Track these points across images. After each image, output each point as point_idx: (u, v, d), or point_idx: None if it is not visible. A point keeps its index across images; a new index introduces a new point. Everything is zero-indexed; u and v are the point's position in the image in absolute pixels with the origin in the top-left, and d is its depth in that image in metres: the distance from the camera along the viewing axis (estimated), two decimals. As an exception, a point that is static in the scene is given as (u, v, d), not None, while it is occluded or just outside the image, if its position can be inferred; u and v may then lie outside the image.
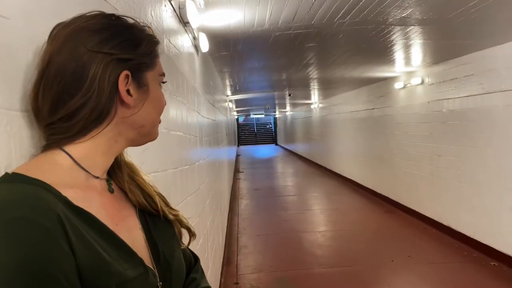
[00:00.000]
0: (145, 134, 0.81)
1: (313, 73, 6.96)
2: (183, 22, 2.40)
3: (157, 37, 0.81)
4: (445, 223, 6.14)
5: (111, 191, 0.80)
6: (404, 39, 4.35)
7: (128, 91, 0.72)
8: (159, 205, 0.87)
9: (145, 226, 0.83)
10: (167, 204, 0.92)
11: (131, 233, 0.79)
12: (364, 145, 9.69)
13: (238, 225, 7.07)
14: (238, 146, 27.96)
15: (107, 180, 0.80)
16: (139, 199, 0.85)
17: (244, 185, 11.92)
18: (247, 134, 37.36)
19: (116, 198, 0.81)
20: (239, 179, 13.05)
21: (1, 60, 0.66)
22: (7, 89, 0.67)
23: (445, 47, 4.97)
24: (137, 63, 0.74)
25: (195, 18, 2.51)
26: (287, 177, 14.26)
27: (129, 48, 0.73)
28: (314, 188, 11.32)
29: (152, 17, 1.62)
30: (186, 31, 2.59)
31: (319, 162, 15.16)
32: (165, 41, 1.85)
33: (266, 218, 7.69)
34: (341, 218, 7.66)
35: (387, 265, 4.98)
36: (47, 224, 0.56)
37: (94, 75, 0.68)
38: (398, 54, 5.35)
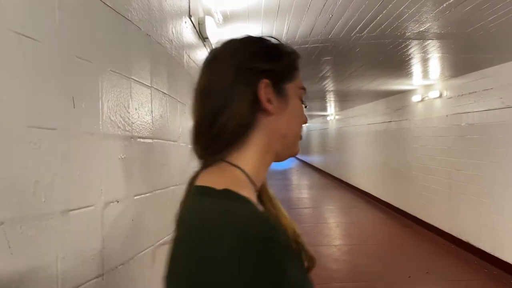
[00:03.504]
0: (288, 147, 0.79)
1: (329, 85, 6.96)
2: (202, 37, 2.44)
3: (297, 53, 0.81)
4: (464, 239, 6.02)
5: None
6: (422, 52, 4.33)
7: (268, 100, 0.73)
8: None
9: None
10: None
11: None
12: (381, 158, 9.60)
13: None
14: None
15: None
16: None
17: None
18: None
19: None
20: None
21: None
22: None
23: (464, 60, 4.92)
24: (277, 73, 0.75)
25: (214, 33, 2.55)
26: (302, 189, 14.18)
27: (269, 60, 0.75)
28: (329, 201, 11.23)
29: (173, 33, 1.66)
30: (205, 46, 2.63)
31: (335, 174, 15.05)
32: (184, 56, 1.89)
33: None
34: (357, 232, 7.56)
35: (404, 281, 4.89)
36: (290, 244, 0.59)
37: (237, 87, 0.71)
38: (416, 68, 5.32)
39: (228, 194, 0.63)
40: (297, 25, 3.19)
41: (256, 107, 0.72)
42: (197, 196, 0.68)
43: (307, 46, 3.86)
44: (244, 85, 0.72)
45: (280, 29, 3.29)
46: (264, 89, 0.72)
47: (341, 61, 4.83)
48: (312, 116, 17.64)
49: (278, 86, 0.75)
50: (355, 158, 11.95)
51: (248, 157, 0.72)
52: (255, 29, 3.27)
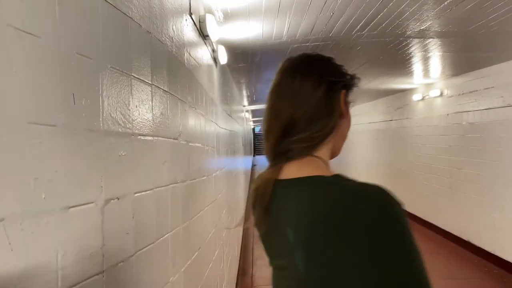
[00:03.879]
0: (339, 148, 0.97)
1: (330, 84, 6.95)
2: (203, 35, 2.44)
3: None
4: (464, 237, 6.02)
5: None
6: (423, 51, 4.32)
7: (346, 108, 0.92)
8: None
9: None
10: None
11: None
12: (381, 157, 9.60)
13: (253, 236, 7.05)
14: (254, 156, 27.97)
15: None
16: None
17: (259, 196, 11.88)
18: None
19: None
20: (255, 189, 13.02)
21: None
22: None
23: (465, 59, 4.92)
24: (347, 85, 0.94)
25: (214, 31, 2.55)
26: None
27: (342, 75, 0.93)
28: (330, 200, 11.21)
29: (174, 31, 1.66)
30: (206, 44, 2.63)
31: (335, 174, 15.03)
32: (185, 54, 1.88)
33: (282, 229, 7.63)
34: None
35: (404, 280, 4.89)
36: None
37: (329, 98, 0.88)
38: (417, 66, 5.32)
39: (342, 177, 0.79)
40: (298, 23, 3.18)
41: (339, 115, 0.90)
42: (308, 184, 0.81)
43: (308, 44, 3.85)
44: (334, 96, 0.89)
45: (281, 27, 3.29)
46: (344, 99, 0.91)
47: (342, 60, 4.70)
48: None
49: (347, 96, 0.93)
50: (355, 157, 11.93)
51: (324, 152, 0.90)
52: (256, 27, 3.27)
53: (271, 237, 0.92)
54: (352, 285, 0.70)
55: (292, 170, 0.86)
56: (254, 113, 14.95)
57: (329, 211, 0.73)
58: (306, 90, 0.87)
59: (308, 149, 0.87)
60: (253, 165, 21.62)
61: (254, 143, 32.01)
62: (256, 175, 1.55)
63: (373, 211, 0.71)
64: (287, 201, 0.83)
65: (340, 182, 0.78)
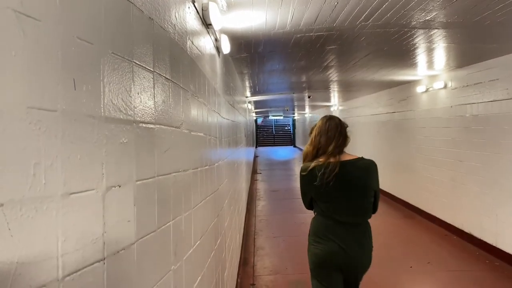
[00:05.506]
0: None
1: (333, 75, 6.92)
2: (206, 24, 2.42)
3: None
4: (466, 230, 6.02)
5: None
6: (427, 42, 4.28)
7: None
8: None
9: None
10: None
11: None
12: (384, 149, 9.58)
13: (255, 226, 7.07)
14: (256, 147, 27.94)
15: None
16: None
17: (261, 186, 11.91)
18: (266, 135, 37.33)
19: None
20: (256, 180, 13.05)
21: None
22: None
23: (470, 50, 4.87)
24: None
25: (217, 20, 2.52)
26: (305, 179, 14.15)
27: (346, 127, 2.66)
28: (332, 191, 11.21)
29: (176, 18, 1.64)
30: (209, 33, 2.60)
31: (337, 165, 15.01)
32: (188, 42, 1.87)
33: (283, 220, 7.66)
34: None
35: (405, 272, 4.91)
36: None
37: (344, 131, 2.61)
38: (421, 58, 5.28)
39: (363, 157, 2.51)
40: (302, 12, 3.15)
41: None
42: (356, 160, 2.49)
43: (311, 34, 3.82)
44: (346, 131, 2.62)
45: (284, 17, 3.26)
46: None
47: (346, 51, 4.78)
48: (315, 107, 17.56)
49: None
50: (358, 148, 11.89)
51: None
52: (260, 16, 3.24)
53: (337, 187, 2.40)
54: (368, 201, 2.50)
55: (346, 157, 2.50)
56: (257, 104, 14.92)
57: (368, 167, 2.48)
58: (336, 128, 2.59)
59: (343, 148, 2.55)
60: (256, 156, 21.62)
61: (257, 135, 31.97)
62: (301, 165, 2.60)
63: (374, 166, 2.51)
64: (353, 168, 2.45)
65: (364, 158, 2.51)
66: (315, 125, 2.62)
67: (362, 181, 2.42)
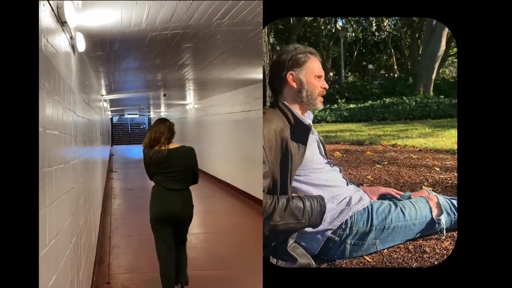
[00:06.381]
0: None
1: (189, 73, 6.96)
2: (61, 21, 2.39)
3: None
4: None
5: None
6: (274, 51, 4.69)
7: None
8: None
9: None
10: None
11: None
12: (239, 147, 9.82)
13: (110, 225, 6.89)
14: (111, 145, 26.71)
15: None
16: None
17: (117, 185, 11.52)
18: (121, 134, 35.89)
19: None
20: (112, 178, 12.55)
21: None
22: None
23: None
24: None
25: (72, 17, 2.50)
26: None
27: None
28: (189, 189, 11.34)
29: (32, 18, 1.65)
30: (64, 31, 2.56)
31: (195, 163, 15.13)
32: (43, 40, 1.87)
33: (139, 219, 7.47)
34: (214, 220, 7.70)
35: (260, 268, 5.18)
36: None
37: None
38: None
39: (184, 145, 3.83)
40: (157, 10, 3.16)
41: None
42: (179, 147, 3.70)
43: (167, 32, 3.84)
44: (173, 128, 3.86)
45: (140, 14, 3.25)
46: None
47: (202, 49, 4.86)
48: (171, 105, 17.57)
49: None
50: (214, 147, 12.20)
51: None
52: (115, 15, 3.22)
53: (166, 165, 3.60)
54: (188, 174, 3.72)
55: (172, 146, 3.61)
56: (113, 102, 14.36)
57: (187, 152, 3.73)
58: None
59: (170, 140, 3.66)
60: (111, 155, 20.69)
61: (112, 133, 30.54)
62: (149, 153, 3.64)
63: (192, 151, 3.73)
64: (177, 153, 3.62)
65: (185, 146, 3.77)
66: (152, 124, 3.84)
67: (182, 161, 3.61)
